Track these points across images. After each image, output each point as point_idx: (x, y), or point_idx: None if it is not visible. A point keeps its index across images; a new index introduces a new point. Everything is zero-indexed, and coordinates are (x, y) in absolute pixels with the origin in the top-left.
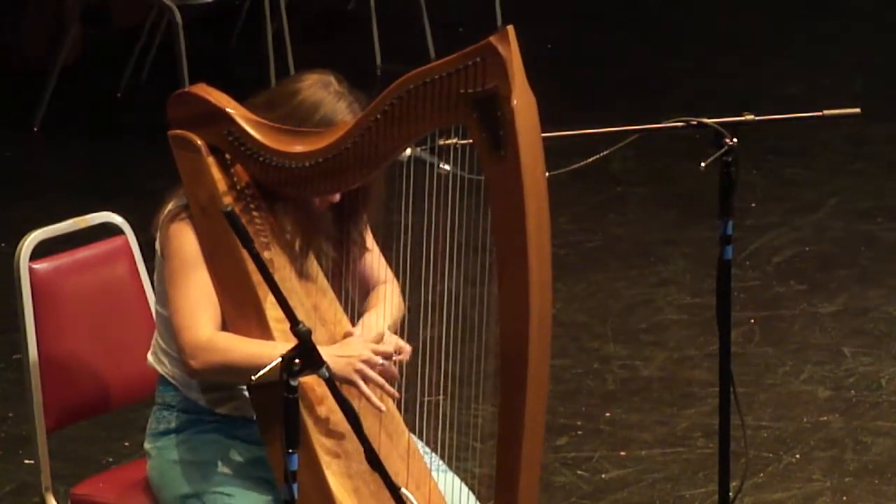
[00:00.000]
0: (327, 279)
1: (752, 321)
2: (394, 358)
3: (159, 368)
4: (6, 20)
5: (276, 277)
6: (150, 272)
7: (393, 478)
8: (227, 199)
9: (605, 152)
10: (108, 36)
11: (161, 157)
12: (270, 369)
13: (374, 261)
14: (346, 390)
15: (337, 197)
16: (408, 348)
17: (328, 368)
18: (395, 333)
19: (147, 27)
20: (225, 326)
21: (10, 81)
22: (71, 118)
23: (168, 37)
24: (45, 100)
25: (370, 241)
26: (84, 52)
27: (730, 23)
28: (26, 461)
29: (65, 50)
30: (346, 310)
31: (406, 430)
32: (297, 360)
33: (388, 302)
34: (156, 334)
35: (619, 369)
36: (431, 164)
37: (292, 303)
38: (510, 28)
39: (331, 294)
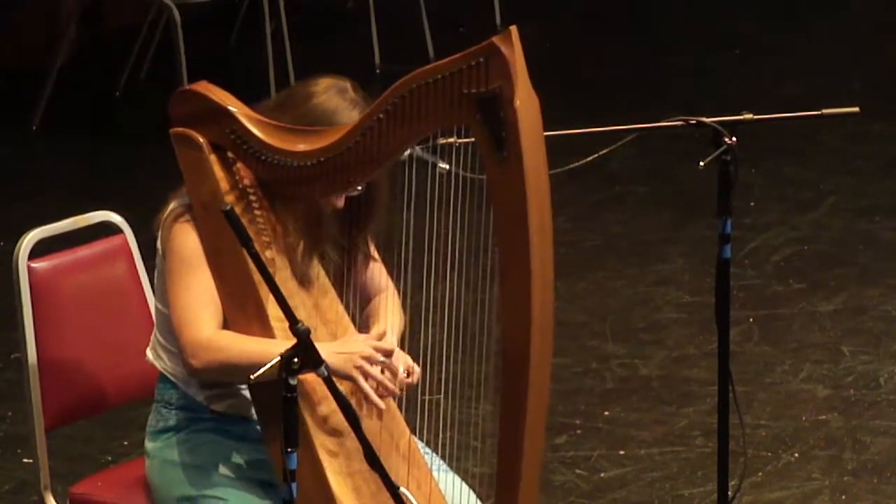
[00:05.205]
0: (329, 281)
1: (751, 320)
2: (404, 379)
3: (158, 365)
4: (4, 19)
5: (278, 277)
6: (149, 271)
7: (393, 477)
8: (230, 197)
9: (604, 151)
10: (107, 35)
11: (160, 156)
12: (269, 368)
13: (376, 269)
14: (347, 388)
15: (341, 203)
16: (417, 370)
17: (327, 367)
18: (400, 347)
19: (146, 26)
20: (226, 324)
21: (9, 81)
22: (70, 117)
23: (167, 36)
24: (44, 99)
25: (372, 249)
26: (82, 52)
27: (730, 23)
28: (25, 460)
29: (63, 49)
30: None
31: (407, 430)
32: (295, 359)
33: (391, 313)
34: (155, 331)
35: (618, 368)
36: (430, 163)
37: (293, 302)
38: (513, 29)
39: (332, 293)
